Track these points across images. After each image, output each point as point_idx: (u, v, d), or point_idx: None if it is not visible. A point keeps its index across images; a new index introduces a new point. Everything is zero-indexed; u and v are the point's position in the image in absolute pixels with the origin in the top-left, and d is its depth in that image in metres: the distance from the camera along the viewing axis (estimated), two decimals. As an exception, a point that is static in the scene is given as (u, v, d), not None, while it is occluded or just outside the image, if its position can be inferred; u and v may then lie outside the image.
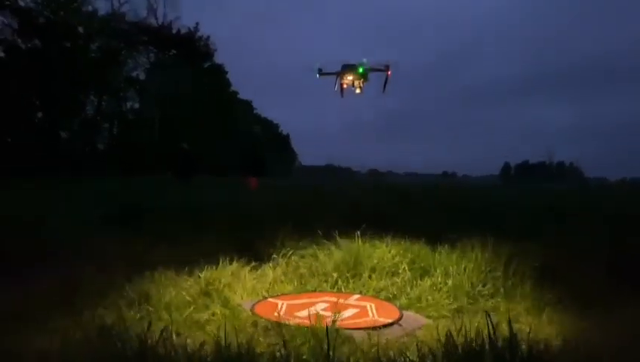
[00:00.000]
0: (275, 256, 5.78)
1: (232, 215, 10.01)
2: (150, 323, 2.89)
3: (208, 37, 49.68)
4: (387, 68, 11.66)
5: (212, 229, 7.75)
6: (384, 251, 5.55)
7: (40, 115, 37.98)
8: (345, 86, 11.98)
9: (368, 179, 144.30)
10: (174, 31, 46.95)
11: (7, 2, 33.65)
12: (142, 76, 46.41)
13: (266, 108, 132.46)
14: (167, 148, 33.25)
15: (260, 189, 20.76)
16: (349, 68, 11.67)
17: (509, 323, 2.62)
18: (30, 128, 35.99)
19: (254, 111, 73.04)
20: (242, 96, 62.72)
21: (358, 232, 6.30)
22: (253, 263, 5.53)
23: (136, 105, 46.52)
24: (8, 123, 33.53)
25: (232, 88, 57.51)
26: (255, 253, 5.99)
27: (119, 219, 8.74)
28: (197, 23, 49.03)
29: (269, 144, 74.56)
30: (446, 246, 5.82)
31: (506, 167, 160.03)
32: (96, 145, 43.64)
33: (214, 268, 4.95)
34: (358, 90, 11.88)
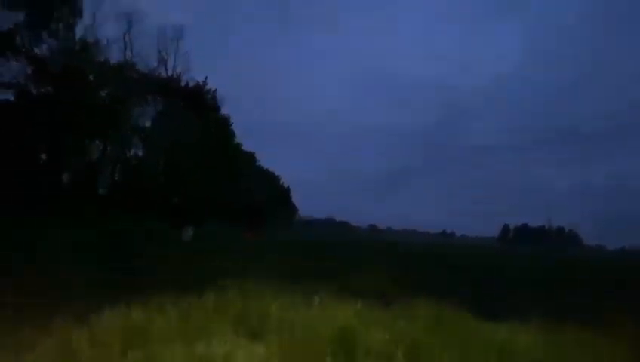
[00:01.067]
0: (268, 329, 5.69)
1: (229, 279, 9.92)
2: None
3: (215, 90, 50.82)
4: None
5: (209, 296, 7.68)
6: (381, 333, 5.49)
7: (44, 156, 38.44)
8: None
9: (368, 235, 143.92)
10: (183, 83, 48.09)
11: (23, 49, 34.71)
12: (148, 124, 47.22)
13: (268, 159, 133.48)
14: (170, 197, 33.27)
15: (259, 246, 20.69)
16: None
17: None
18: (33, 169, 36.31)
19: (257, 163, 73.73)
20: (245, 147, 63.54)
21: (357, 305, 6.28)
22: (246, 339, 5.46)
23: (140, 153, 46.99)
24: (11, 163, 33.87)
25: (237, 140, 58.31)
26: (248, 325, 5.91)
27: (116, 278, 8.71)
28: (205, 77, 50.32)
29: (271, 196, 74.80)
30: (441, 329, 5.78)
31: (505, 229, 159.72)
32: (98, 189, 43.84)
33: (208, 344, 4.89)
34: None
